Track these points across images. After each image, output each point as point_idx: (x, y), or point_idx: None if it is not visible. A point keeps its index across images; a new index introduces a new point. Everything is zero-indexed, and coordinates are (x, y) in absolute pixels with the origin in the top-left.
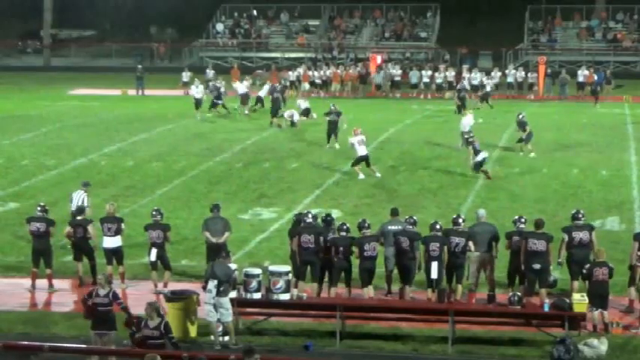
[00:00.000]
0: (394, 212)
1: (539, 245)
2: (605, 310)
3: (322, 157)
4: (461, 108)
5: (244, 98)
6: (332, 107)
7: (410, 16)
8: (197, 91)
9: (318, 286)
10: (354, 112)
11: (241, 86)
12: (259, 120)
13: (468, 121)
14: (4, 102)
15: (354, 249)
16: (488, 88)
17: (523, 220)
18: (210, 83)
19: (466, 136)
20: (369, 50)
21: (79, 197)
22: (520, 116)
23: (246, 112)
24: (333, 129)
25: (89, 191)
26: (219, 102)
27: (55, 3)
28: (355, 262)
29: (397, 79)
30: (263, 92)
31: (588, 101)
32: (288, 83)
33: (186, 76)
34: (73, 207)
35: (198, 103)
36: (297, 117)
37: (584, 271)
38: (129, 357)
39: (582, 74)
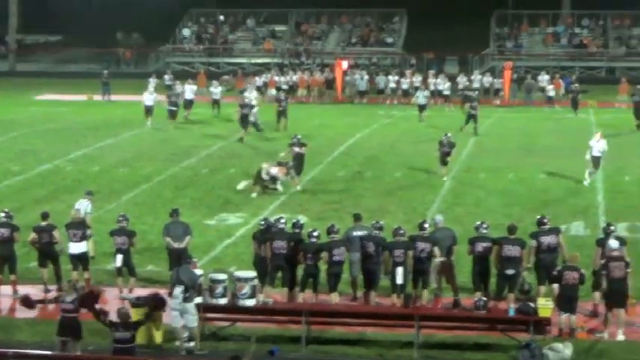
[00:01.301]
0: (357, 217)
1: (513, 251)
2: (574, 314)
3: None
4: (473, 117)
5: (188, 103)
6: (295, 139)
7: (376, 22)
8: (149, 98)
9: (289, 291)
10: (320, 117)
11: (188, 91)
12: (224, 126)
13: (601, 145)
14: None
15: (323, 254)
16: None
17: (485, 225)
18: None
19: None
20: (335, 56)
21: (82, 206)
22: (448, 135)
23: (185, 115)
24: (299, 165)
25: (92, 200)
26: (174, 109)
27: (20, 8)
28: (322, 267)
29: (357, 83)
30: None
31: (554, 106)
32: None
33: (169, 79)
34: (81, 214)
35: (148, 110)
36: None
37: (555, 272)
38: None
39: (543, 79)
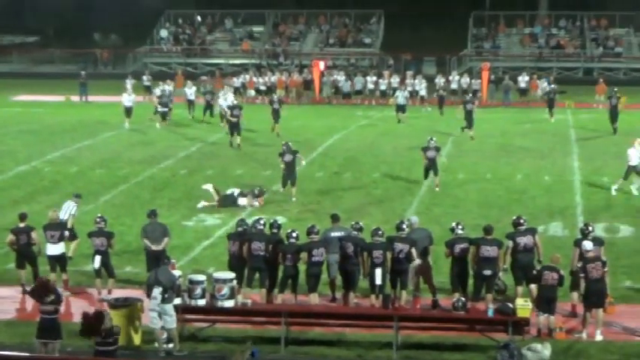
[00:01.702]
0: (335, 218)
1: (491, 252)
2: (552, 314)
3: (266, 163)
4: (470, 124)
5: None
6: (284, 147)
7: (354, 23)
8: (128, 99)
9: (268, 292)
10: (298, 118)
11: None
12: (202, 127)
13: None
14: None
15: (302, 255)
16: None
17: (461, 226)
18: (159, 89)
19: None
20: (313, 56)
21: (68, 208)
22: (433, 140)
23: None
24: (290, 173)
25: (79, 203)
26: (166, 109)
27: None
28: (302, 268)
29: (341, 85)
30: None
31: (532, 107)
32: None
33: (147, 79)
34: (63, 216)
35: (127, 111)
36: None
37: (535, 272)
38: None
39: (523, 80)
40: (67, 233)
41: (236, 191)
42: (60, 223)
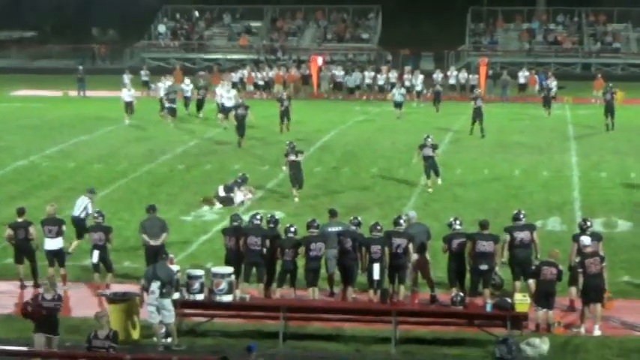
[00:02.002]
0: (333, 213)
1: (487, 247)
2: (551, 309)
3: (264, 158)
4: (479, 117)
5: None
6: (289, 147)
7: (352, 18)
8: (127, 94)
9: (265, 287)
10: (296, 113)
11: (162, 88)
12: (199, 122)
13: None
14: None
15: (300, 249)
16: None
17: (458, 222)
18: (162, 85)
19: None
20: (311, 52)
21: (82, 204)
22: (429, 138)
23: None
24: (295, 174)
25: (94, 199)
26: (174, 105)
27: None
28: (300, 263)
29: (339, 80)
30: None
31: (530, 102)
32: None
33: (145, 74)
34: (75, 213)
35: (127, 106)
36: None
37: (533, 267)
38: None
39: (523, 75)
40: (64, 228)
41: (220, 190)
42: (57, 218)
